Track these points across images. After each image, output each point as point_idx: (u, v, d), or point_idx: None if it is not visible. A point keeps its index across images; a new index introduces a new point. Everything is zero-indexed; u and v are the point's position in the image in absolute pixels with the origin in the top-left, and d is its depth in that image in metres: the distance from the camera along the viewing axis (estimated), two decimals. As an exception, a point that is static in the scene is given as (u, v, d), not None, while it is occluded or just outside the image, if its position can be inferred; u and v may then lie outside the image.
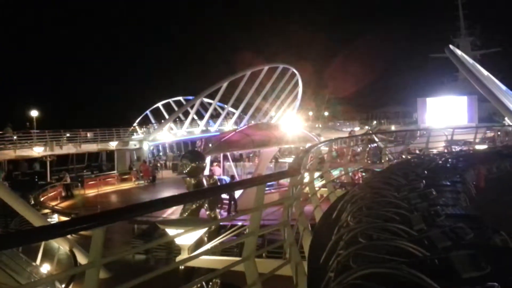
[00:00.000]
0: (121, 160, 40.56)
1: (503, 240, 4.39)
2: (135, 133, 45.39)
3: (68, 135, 37.37)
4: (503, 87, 45.34)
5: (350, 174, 12.38)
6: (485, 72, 46.51)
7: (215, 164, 30.85)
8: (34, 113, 39.33)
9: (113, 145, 40.11)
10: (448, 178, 8.20)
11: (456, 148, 18.70)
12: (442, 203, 5.57)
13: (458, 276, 3.04)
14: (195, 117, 47.69)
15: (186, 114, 46.29)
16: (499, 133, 24.70)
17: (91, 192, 30.77)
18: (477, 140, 21.45)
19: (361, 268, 3.21)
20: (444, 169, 10.06)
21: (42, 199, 26.60)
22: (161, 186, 33.50)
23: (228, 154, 31.28)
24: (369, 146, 21.37)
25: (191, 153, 13.58)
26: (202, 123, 46.83)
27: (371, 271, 3.17)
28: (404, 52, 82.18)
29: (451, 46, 50.97)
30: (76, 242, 13.63)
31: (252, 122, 46.07)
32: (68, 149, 36.34)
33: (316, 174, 9.75)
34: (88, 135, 39.54)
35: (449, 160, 12.00)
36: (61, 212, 23.21)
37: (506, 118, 41.51)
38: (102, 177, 34.88)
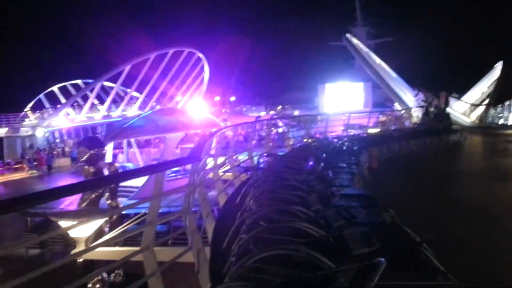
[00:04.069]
0: (11, 148, 37.28)
1: (392, 217, 4.73)
2: (26, 119, 41.89)
3: None
4: (394, 75, 49.02)
5: (255, 158, 12.58)
6: (378, 60, 49.89)
7: (117, 151, 29.67)
8: None
9: (1, 132, 36.72)
10: (344, 160, 8.67)
11: (353, 132, 19.90)
12: (338, 184, 5.86)
13: (351, 253, 3.21)
14: (96, 102, 45.21)
15: (86, 98, 43.67)
16: (390, 117, 26.75)
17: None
18: (370, 124, 23.06)
19: (261, 251, 3.25)
20: (341, 151, 10.64)
21: None
22: (57, 175, 31.47)
23: (132, 140, 30.26)
24: (274, 130, 21.96)
25: (89, 139, 12.89)
26: (103, 108, 44.54)
27: (270, 254, 3.22)
28: (306, 40, 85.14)
29: (348, 35, 54.02)
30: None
31: (158, 107, 44.87)
32: None
33: (221, 159, 9.75)
34: (-28, 121, 35.84)
35: (346, 143, 12.71)
36: None
37: (396, 104, 45.03)
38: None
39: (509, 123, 30.91)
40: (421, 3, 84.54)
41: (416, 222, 4.74)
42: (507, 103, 33.85)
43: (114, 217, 9.77)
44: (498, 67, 42.35)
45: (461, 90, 44.69)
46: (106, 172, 10.71)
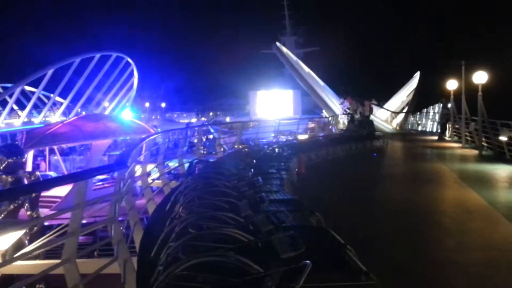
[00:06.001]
0: None
1: (318, 220, 4.90)
2: None
3: None
4: (322, 83, 50.73)
5: (185, 165, 12.45)
6: (307, 69, 51.42)
7: (39, 159, 28.01)
8: None
9: None
10: (274, 166, 8.82)
11: (283, 138, 20.32)
12: (267, 190, 5.95)
13: (278, 257, 3.27)
14: (15, 107, 42.39)
15: (5, 103, 40.79)
16: (318, 124, 27.63)
17: None
18: (300, 131, 23.71)
19: (189, 259, 3.22)
20: (271, 157, 10.81)
21: None
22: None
23: (56, 147, 28.77)
24: (206, 137, 21.88)
25: (6, 147, 12.06)
26: (23, 114, 41.86)
27: (199, 261, 3.20)
28: (237, 47, 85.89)
29: (277, 43, 55.18)
30: None
31: (83, 113, 42.93)
32: None
33: (151, 166, 9.54)
34: None
35: (276, 149, 12.94)
36: None
37: (323, 111, 46.59)
38: None
39: (427, 130, 33.07)
40: (346, 15, 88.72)
41: (341, 224, 4.94)
42: (424, 110, 36.19)
43: (35, 228, 9.21)
44: (416, 77, 45.27)
45: (383, 98, 47.29)
46: (26, 181, 10.10)
